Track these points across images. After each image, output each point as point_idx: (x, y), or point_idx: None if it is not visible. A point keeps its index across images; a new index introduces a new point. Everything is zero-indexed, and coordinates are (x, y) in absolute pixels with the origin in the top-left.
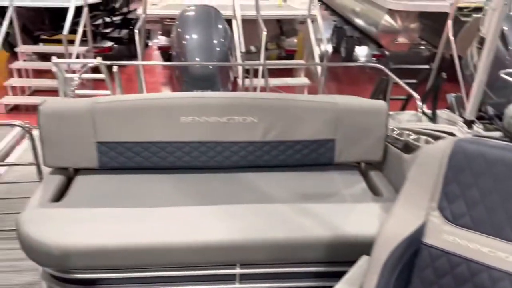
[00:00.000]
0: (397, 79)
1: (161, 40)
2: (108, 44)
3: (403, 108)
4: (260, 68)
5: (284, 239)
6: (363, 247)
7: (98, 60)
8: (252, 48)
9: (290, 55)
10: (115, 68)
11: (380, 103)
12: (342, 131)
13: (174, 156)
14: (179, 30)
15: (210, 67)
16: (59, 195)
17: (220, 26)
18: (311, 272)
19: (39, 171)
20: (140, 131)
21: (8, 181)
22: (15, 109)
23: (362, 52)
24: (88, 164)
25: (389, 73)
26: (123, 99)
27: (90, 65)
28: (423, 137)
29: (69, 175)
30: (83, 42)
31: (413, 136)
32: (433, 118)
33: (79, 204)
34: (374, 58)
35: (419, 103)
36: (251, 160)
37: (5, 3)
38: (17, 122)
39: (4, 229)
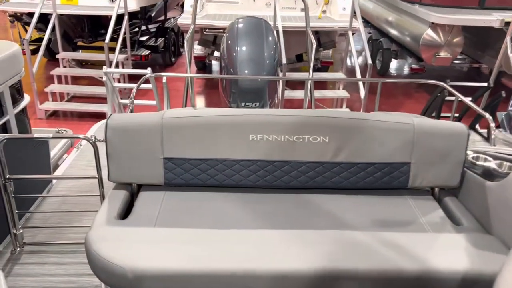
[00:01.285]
0: (462, 97)
1: (197, 49)
2: (146, 52)
3: None
4: (309, 83)
5: (368, 271)
6: (452, 283)
7: (149, 72)
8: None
9: (325, 67)
10: (164, 79)
11: (460, 125)
12: (419, 154)
13: (240, 175)
14: (229, 41)
15: (259, 80)
16: (125, 212)
17: (270, 38)
18: None
19: (101, 185)
20: (207, 148)
21: (69, 195)
22: (53, 115)
23: (399, 65)
24: (154, 180)
25: (453, 91)
26: (192, 114)
27: (147, 76)
28: (507, 163)
29: (133, 190)
30: (120, 49)
31: (494, 162)
32: (488, 138)
33: (148, 222)
34: (412, 72)
35: (492, 124)
36: (319, 181)
37: (48, 10)
38: (81, 135)
39: (62, 242)
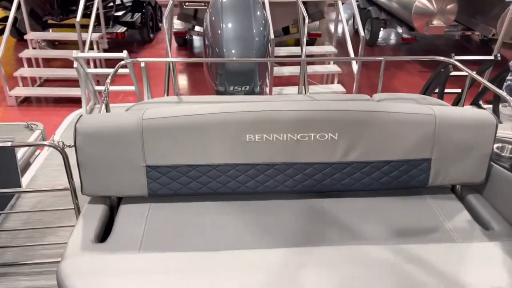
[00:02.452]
0: (472, 73)
1: (177, 24)
2: (122, 29)
3: (457, 103)
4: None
5: None
6: None
7: (125, 55)
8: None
9: (313, 39)
10: (142, 64)
11: (486, 114)
12: (440, 149)
13: (237, 181)
14: (212, 17)
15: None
16: (104, 232)
17: (258, 12)
18: None
19: (75, 197)
20: (197, 152)
21: (36, 209)
22: (25, 101)
23: (388, 35)
24: (136, 192)
25: (463, 66)
26: (177, 113)
27: (123, 62)
28: None
29: (112, 203)
30: (94, 27)
31: None
32: (497, 115)
33: (131, 246)
34: (403, 42)
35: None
36: (327, 184)
37: None
38: (46, 142)
39: (35, 262)
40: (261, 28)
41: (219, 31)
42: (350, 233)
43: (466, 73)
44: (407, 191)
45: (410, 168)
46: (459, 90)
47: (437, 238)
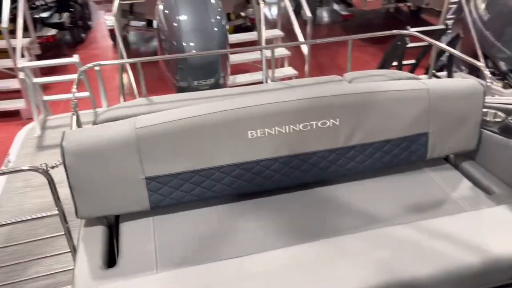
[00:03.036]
0: (436, 42)
1: (109, 20)
2: (52, 32)
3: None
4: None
5: (432, 275)
6: None
7: (77, 60)
8: None
9: (254, 24)
10: (97, 67)
11: (474, 83)
12: (436, 122)
13: (243, 180)
14: (166, 10)
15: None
16: (110, 256)
17: (213, 1)
18: None
19: (64, 220)
20: (198, 156)
21: (25, 240)
22: None
23: (324, 13)
24: (137, 207)
25: (424, 37)
26: (172, 118)
27: (84, 68)
28: None
29: (109, 223)
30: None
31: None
32: None
33: (146, 266)
34: (343, 19)
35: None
36: (333, 171)
37: None
38: (26, 167)
39: None
40: (218, 17)
41: (175, 24)
42: (365, 217)
43: (420, 45)
44: (407, 167)
45: (410, 144)
46: (413, 61)
47: (449, 209)
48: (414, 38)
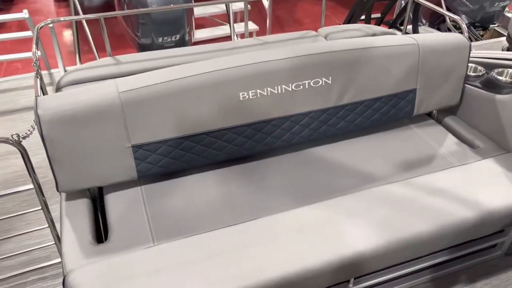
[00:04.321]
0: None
1: None
2: None
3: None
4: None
5: (432, 232)
6: (505, 218)
7: (26, 16)
8: None
9: None
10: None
11: (461, 37)
12: (423, 78)
13: (234, 145)
14: None
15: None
16: (100, 230)
17: None
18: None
19: (41, 194)
20: (187, 120)
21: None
22: None
23: None
24: (123, 177)
25: None
26: (157, 80)
27: (41, 25)
28: (508, 70)
29: (92, 195)
30: None
31: (493, 71)
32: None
33: (142, 238)
34: None
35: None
36: (323, 131)
37: None
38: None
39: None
40: None
41: None
42: (359, 176)
43: None
44: (393, 124)
45: (398, 101)
46: (378, 15)
47: (439, 165)
48: None
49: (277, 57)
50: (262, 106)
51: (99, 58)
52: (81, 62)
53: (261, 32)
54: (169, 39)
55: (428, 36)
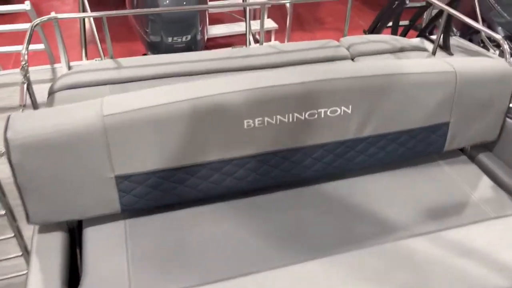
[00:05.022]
0: (442, 5)
1: None
2: None
3: (404, 36)
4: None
5: None
6: None
7: (28, 7)
8: None
9: None
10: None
11: (504, 65)
12: (459, 110)
13: (235, 178)
14: None
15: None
16: (72, 272)
17: None
18: None
19: (12, 219)
20: (182, 150)
21: None
22: None
23: None
24: (104, 210)
25: (434, 1)
26: (149, 103)
27: (37, 21)
28: None
29: (70, 227)
30: None
31: None
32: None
33: (117, 286)
34: None
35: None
36: (339, 165)
37: None
38: None
39: None
40: None
41: None
42: (378, 223)
43: (417, 5)
44: (420, 160)
45: (428, 134)
46: (406, 23)
47: (471, 214)
48: None
49: (289, 80)
50: (270, 136)
51: (104, 57)
52: (87, 58)
53: (280, 30)
54: (179, 39)
55: (466, 62)
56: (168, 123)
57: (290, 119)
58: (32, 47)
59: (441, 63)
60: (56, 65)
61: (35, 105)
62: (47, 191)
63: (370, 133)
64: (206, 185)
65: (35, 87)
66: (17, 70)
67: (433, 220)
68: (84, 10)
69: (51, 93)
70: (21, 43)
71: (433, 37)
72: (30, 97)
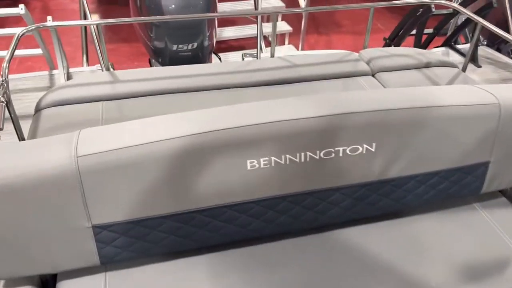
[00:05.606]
0: (471, 14)
1: None
2: None
3: (427, 45)
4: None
5: None
6: None
7: (23, 11)
8: None
9: None
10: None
11: None
12: (501, 148)
13: (235, 225)
14: None
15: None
16: None
17: None
18: None
19: None
20: (173, 195)
21: None
22: None
23: None
24: (80, 263)
25: (461, 8)
26: (132, 141)
27: (30, 28)
28: None
29: (44, 281)
30: None
31: None
32: (474, 59)
33: None
34: None
35: None
36: (359, 210)
37: None
38: None
39: None
40: None
41: None
42: (401, 281)
43: (444, 12)
44: (453, 201)
45: (463, 176)
46: (430, 31)
47: None
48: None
49: (302, 114)
50: (278, 178)
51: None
52: (88, 64)
53: (295, 32)
54: (185, 47)
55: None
56: (156, 165)
57: (302, 159)
58: (30, 52)
59: (482, 93)
60: (54, 72)
61: (17, 127)
62: (12, 242)
63: (397, 175)
64: (201, 234)
65: (30, 95)
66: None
67: (468, 281)
68: (85, 15)
69: (38, 110)
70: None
71: (460, 46)
72: (11, 118)
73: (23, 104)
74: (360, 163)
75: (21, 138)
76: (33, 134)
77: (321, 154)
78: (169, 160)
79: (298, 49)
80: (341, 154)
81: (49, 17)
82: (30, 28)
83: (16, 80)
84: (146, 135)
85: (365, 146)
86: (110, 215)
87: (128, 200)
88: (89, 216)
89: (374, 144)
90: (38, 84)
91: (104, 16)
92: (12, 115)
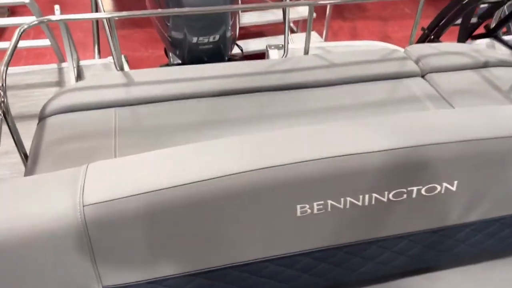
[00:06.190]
0: None
1: None
2: None
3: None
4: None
5: None
6: None
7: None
8: None
9: None
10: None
11: None
12: None
13: (279, 281)
14: None
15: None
16: None
17: None
18: None
19: None
20: (202, 248)
21: None
22: None
23: None
24: None
25: None
26: (151, 184)
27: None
28: None
29: None
30: None
31: None
32: None
33: None
34: None
35: None
36: (428, 258)
37: None
38: None
39: None
40: None
41: None
42: None
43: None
44: None
45: None
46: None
47: None
48: None
49: (369, 146)
50: (334, 226)
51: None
52: (100, 56)
53: (319, 18)
54: (206, 40)
55: None
56: (185, 213)
57: (366, 202)
58: (37, 43)
59: None
60: (63, 65)
61: (18, 142)
62: None
63: (479, 217)
64: None
65: (37, 92)
66: (18, 68)
67: None
68: (96, 7)
69: (42, 118)
70: (25, 38)
71: (506, 37)
72: (11, 133)
73: (30, 102)
74: (438, 204)
75: (23, 154)
76: (36, 150)
77: (390, 196)
78: (202, 206)
79: (321, 37)
80: (414, 195)
81: (56, 7)
82: (33, 23)
83: (23, 75)
84: (173, 174)
85: (444, 184)
86: (126, 274)
87: (147, 256)
88: (98, 276)
89: (455, 182)
90: (46, 78)
91: (117, 4)
92: (12, 130)
